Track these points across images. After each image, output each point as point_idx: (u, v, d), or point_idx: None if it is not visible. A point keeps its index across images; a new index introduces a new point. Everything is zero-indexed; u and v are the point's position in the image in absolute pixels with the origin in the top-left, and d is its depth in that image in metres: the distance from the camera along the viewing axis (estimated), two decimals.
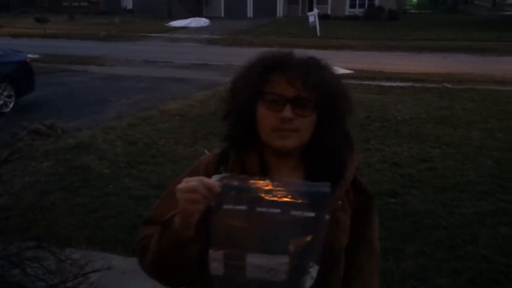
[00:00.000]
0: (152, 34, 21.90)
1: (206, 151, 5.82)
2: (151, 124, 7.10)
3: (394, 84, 10.53)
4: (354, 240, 1.22)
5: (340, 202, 1.16)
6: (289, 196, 0.98)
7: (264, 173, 1.12)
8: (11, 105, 8.17)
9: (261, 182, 1.00)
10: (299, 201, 0.98)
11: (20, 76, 8.40)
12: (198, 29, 24.20)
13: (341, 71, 12.11)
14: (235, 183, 0.99)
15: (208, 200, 0.98)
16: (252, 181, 1.00)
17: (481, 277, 3.17)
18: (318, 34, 19.55)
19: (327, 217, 0.99)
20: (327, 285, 1.14)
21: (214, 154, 1.23)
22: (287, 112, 1.08)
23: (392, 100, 8.71)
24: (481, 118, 7.44)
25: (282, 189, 0.99)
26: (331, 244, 1.11)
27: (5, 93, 8.12)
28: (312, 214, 0.98)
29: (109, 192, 4.57)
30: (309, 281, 1.00)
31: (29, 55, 9.91)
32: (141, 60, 14.44)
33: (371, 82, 10.71)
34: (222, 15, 31.06)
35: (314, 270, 1.00)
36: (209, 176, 1.03)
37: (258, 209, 0.98)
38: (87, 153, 5.68)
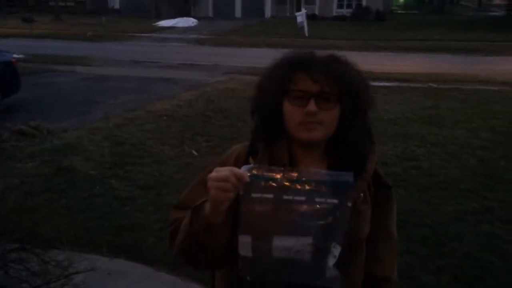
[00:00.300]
0: (139, 34, 21.78)
1: (193, 151, 5.82)
2: (138, 124, 7.06)
3: (381, 84, 10.59)
4: (376, 230, 1.30)
5: (362, 194, 1.23)
6: (314, 185, 1.05)
7: (291, 165, 1.20)
8: None
9: (288, 172, 1.07)
10: (323, 189, 1.05)
11: (5, 76, 8.29)
12: (186, 29, 24.12)
13: None
14: (263, 173, 1.06)
15: (237, 189, 1.04)
16: (279, 171, 1.07)
17: (465, 273, 3.22)
18: (306, 34, 19.61)
19: (349, 204, 1.06)
20: (348, 275, 1.20)
21: (244, 145, 1.30)
22: (312, 106, 1.15)
23: (379, 100, 8.75)
24: (466, 117, 7.54)
25: (308, 178, 1.06)
26: (354, 233, 1.18)
27: None
28: (335, 201, 1.05)
29: (95, 193, 4.55)
30: (331, 260, 1.07)
31: (15, 55, 9.77)
32: (129, 60, 14.36)
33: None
34: (210, 15, 31.00)
35: (336, 250, 1.07)
36: (239, 166, 1.09)
37: (285, 197, 1.05)
38: (73, 154, 5.64)
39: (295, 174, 1.07)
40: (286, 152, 1.22)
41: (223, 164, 1.19)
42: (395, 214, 1.38)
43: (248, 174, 1.05)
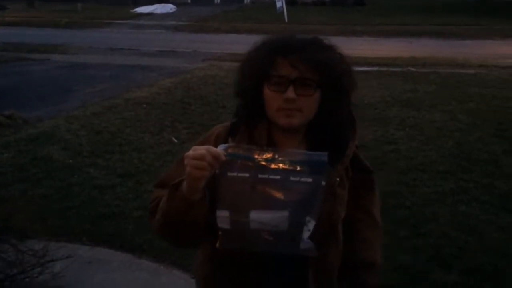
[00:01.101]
0: (116, 21, 21.34)
1: (173, 138, 5.77)
2: (117, 112, 6.96)
3: (360, 68, 10.62)
4: (359, 215, 1.35)
5: (338, 179, 1.24)
6: (289, 164, 1.08)
7: (269, 145, 1.21)
8: None
9: (264, 151, 1.10)
10: (298, 168, 1.08)
11: None
12: (164, 16, 23.75)
13: None
14: (239, 152, 1.09)
15: (213, 167, 1.06)
16: (255, 150, 1.10)
17: (441, 253, 3.29)
18: (286, 20, 19.52)
19: (323, 183, 1.08)
20: (324, 256, 1.23)
21: (225, 126, 1.31)
22: (290, 93, 1.15)
23: (358, 85, 8.79)
24: (443, 100, 7.64)
25: (283, 158, 1.09)
26: (329, 216, 1.21)
27: None
28: (310, 180, 1.08)
29: (73, 182, 4.48)
30: (306, 233, 1.10)
31: None
32: (106, 47, 14.07)
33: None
34: (189, 1, 30.54)
35: (311, 224, 1.10)
36: (218, 145, 1.12)
37: (260, 176, 1.08)
38: (50, 144, 5.53)
39: (270, 154, 1.09)
40: (265, 134, 1.23)
41: (204, 143, 1.20)
42: (378, 201, 1.41)
43: (224, 153, 1.07)
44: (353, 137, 1.28)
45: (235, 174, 1.08)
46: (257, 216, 1.08)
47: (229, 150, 1.08)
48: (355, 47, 13.61)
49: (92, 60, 11.95)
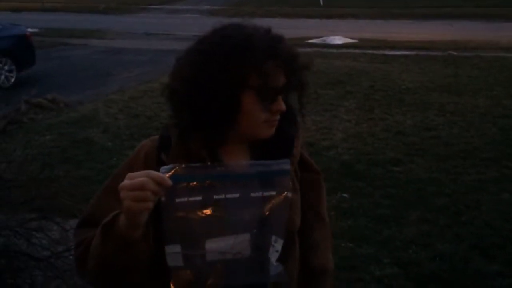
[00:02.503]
0: (152, 6, 21.55)
1: None
2: (153, 96, 7.04)
3: (398, 52, 10.38)
4: (308, 218, 1.18)
5: (290, 183, 1.05)
6: (247, 179, 0.93)
7: (211, 158, 1.03)
8: (12, 80, 8.14)
9: (215, 168, 0.94)
10: (258, 182, 0.93)
11: (21, 50, 8.33)
12: (199, 0, 23.80)
13: (344, 40, 11.96)
14: (187, 173, 0.91)
15: (157, 195, 0.88)
16: (204, 168, 0.93)
17: (484, 242, 3.19)
18: (321, 3, 19.19)
19: (289, 194, 0.95)
20: (287, 263, 1.07)
21: (151, 140, 1.11)
22: (281, 104, 1.02)
23: (396, 69, 8.60)
24: (486, 85, 7.35)
25: (239, 172, 0.94)
26: (287, 226, 1.04)
27: (6, 68, 8.08)
28: (273, 193, 0.94)
29: (112, 164, 4.58)
30: (274, 254, 0.96)
31: (29, 29, 9.79)
32: (142, 32, 14.26)
33: (375, 51, 10.55)
34: None
35: (278, 244, 0.96)
36: (150, 165, 0.97)
37: (215, 196, 0.92)
38: (90, 127, 5.68)
39: (223, 170, 0.94)
40: (203, 145, 1.02)
41: (131, 166, 1.02)
42: (325, 199, 1.26)
43: (169, 176, 0.89)
44: (297, 136, 1.13)
45: (185, 199, 0.90)
46: (214, 246, 0.92)
47: (175, 172, 0.90)
48: (393, 30, 13.27)
49: (128, 45, 12.14)
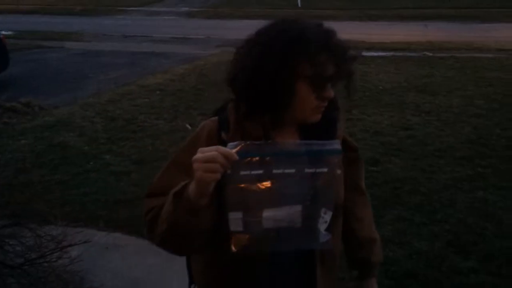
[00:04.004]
0: (129, 8, 21.35)
1: (187, 125, 5.78)
2: (131, 99, 6.99)
3: (375, 54, 10.51)
4: (353, 194, 1.36)
5: (341, 162, 1.21)
6: (302, 156, 1.04)
7: (265, 138, 1.16)
8: None
9: (274, 146, 1.06)
10: (312, 159, 1.04)
11: None
12: (177, 2, 23.65)
13: None
14: (251, 150, 1.02)
15: (225, 168, 0.99)
16: (266, 146, 1.05)
17: (458, 239, 3.25)
18: (299, 5, 19.31)
19: (338, 171, 1.07)
20: (335, 231, 1.21)
21: (212, 121, 1.24)
22: (331, 91, 1.15)
23: (374, 70, 8.70)
24: (460, 85, 7.51)
25: (295, 150, 1.05)
26: (334, 200, 1.18)
27: None
28: (325, 170, 1.05)
29: (89, 168, 4.53)
30: (323, 225, 1.08)
31: (2, 32, 9.59)
32: (119, 35, 14.11)
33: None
34: None
35: (327, 216, 1.08)
36: (212, 143, 1.06)
37: (274, 171, 1.03)
38: (66, 130, 5.59)
39: (281, 148, 1.05)
40: (260, 126, 1.16)
41: (194, 143, 1.14)
42: (363, 174, 1.45)
43: (235, 151, 1.01)
44: (339, 117, 1.27)
45: (248, 172, 1.02)
46: (270, 214, 1.04)
47: (241, 148, 1.01)
48: (371, 32, 13.43)
49: (106, 47, 12.00)
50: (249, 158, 1.02)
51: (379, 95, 6.98)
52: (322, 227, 1.08)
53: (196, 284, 1.34)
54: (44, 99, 6.87)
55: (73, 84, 8.11)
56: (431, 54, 10.27)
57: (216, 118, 1.24)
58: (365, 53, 10.60)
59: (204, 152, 0.99)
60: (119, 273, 2.95)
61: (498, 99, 6.68)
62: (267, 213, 1.04)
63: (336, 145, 1.06)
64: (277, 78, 1.10)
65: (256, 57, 1.12)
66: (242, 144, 1.02)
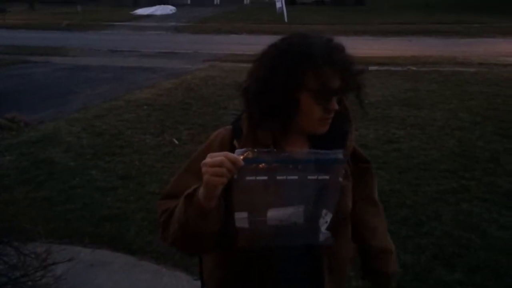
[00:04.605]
0: (117, 23, 21.38)
1: (174, 140, 5.77)
2: (118, 114, 6.96)
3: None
4: (364, 203, 1.41)
5: (343, 171, 1.24)
6: (306, 164, 1.10)
7: (275, 146, 1.23)
8: None
9: (280, 154, 1.12)
10: (315, 167, 1.11)
11: None
12: (164, 17, 23.77)
13: None
14: (256, 156, 1.09)
15: (232, 173, 1.06)
16: (271, 153, 1.11)
17: (444, 252, 3.28)
18: (286, 20, 19.53)
19: (340, 179, 1.13)
20: (337, 247, 1.26)
21: (226, 129, 1.31)
22: (335, 104, 1.20)
23: None
24: (444, 99, 7.64)
25: (299, 158, 1.11)
26: (339, 208, 1.22)
27: None
28: (327, 177, 1.12)
29: (75, 184, 4.48)
30: (324, 225, 1.15)
31: None
32: (106, 49, 14.10)
33: None
34: (189, 2, 30.57)
35: (328, 216, 1.15)
36: (224, 150, 1.12)
37: (278, 177, 1.10)
38: (51, 146, 5.54)
39: (286, 156, 1.12)
40: (270, 134, 1.23)
41: (208, 150, 1.20)
42: (376, 186, 1.48)
43: (242, 158, 1.07)
44: (350, 130, 1.32)
45: (253, 178, 1.09)
46: (274, 214, 1.12)
47: (247, 155, 1.09)
48: (356, 46, 13.54)
49: (92, 62, 11.97)
50: (254, 165, 1.09)
51: (364, 109, 7.04)
52: (323, 226, 1.15)
53: (206, 287, 1.40)
54: (30, 115, 6.80)
55: (59, 99, 8.06)
56: (415, 68, 10.45)
57: (230, 127, 1.31)
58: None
59: (213, 157, 1.06)
60: None
61: (481, 112, 6.80)
62: (271, 213, 1.12)
63: (339, 154, 1.12)
64: (284, 89, 1.17)
65: (266, 69, 1.20)
66: (249, 151, 1.09)
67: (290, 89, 1.17)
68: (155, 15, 24.45)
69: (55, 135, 5.95)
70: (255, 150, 1.10)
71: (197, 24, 20.93)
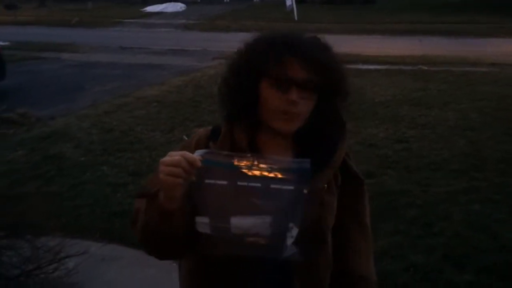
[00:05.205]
0: (127, 20, 21.46)
1: (184, 136, 5.79)
2: (128, 111, 7.00)
3: (370, 67, 10.61)
4: (351, 223, 1.28)
5: (326, 186, 1.19)
6: (269, 172, 1.02)
7: (254, 150, 1.15)
8: None
9: (243, 158, 1.03)
10: (279, 176, 1.02)
11: None
12: (174, 14, 23.82)
13: None
14: (217, 159, 1.02)
15: (188, 174, 0.99)
16: (233, 157, 1.03)
17: (454, 252, 3.27)
18: (295, 18, 19.48)
19: (305, 191, 1.03)
20: (312, 265, 1.19)
21: (206, 129, 1.25)
22: (294, 95, 1.09)
23: (369, 83, 8.77)
24: (455, 99, 7.58)
25: (263, 165, 1.03)
26: (316, 223, 1.16)
27: None
28: (291, 187, 1.03)
29: (85, 180, 4.52)
30: (289, 239, 1.06)
31: None
32: (116, 46, 14.15)
33: (348, 66, 10.72)
34: (198, 0, 30.60)
35: (294, 231, 1.06)
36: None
37: (239, 183, 1.02)
38: (62, 142, 5.58)
39: (250, 161, 1.03)
40: (245, 137, 1.17)
41: (185, 149, 1.13)
42: (368, 208, 1.35)
43: (201, 159, 1.01)
44: (342, 141, 1.23)
45: (212, 181, 1.02)
46: (238, 222, 1.04)
47: (206, 156, 1.02)
48: (365, 45, 13.57)
49: (102, 58, 12.03)
50: (215, 168, 1.02)
51: (374, 108, 7.03)
52: (289, 241, 1.07)
53: None
54: (40, 110, 6.87)
55: (69, 95, 8.12)
56: (425, 68, 10.37)
57: (210, 127, 1.25)
58: (360, 66, 10.70)
59: (171, 156, 1.00)
60: (115, 284, 2.94)
61: (492, 112, 6.74)
62: (235, 220, 1.04)
63: (305, 164, 1.03)
64: (244, 76, 1.13)
65: (232, 61, 1.17)
66: (210, 152, 1.04)
67: (250, 76, 1.12)
68: (165, 12, 24.50)
69: (66, 131, 6.00)
70: (216, 152, 1.05)
71: (206, 21, 20.94)
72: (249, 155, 1.05)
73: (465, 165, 4.82)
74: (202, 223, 1.05)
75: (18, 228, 2.40)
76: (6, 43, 12.48)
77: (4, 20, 20.10)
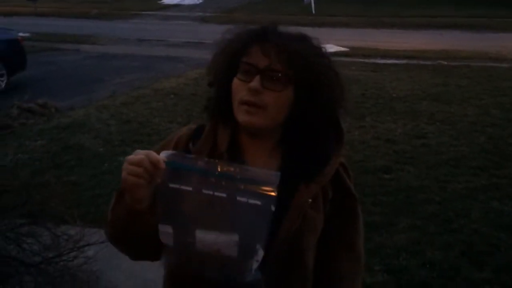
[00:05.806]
0: (144, 12, 21.57)
1: None
2: (145, 102, 7.06)
3: (389, 61, 10.49)
4: (336, 245, 1.14)
5: (310, 200, 1.07)
6: (236, 182, 0.92)
7: (236, 154, 1.07)
8: (3, 84, 8.09)
9: (211, 164, 0.94)
10: (246, 188, 0.92)
11: (12, 54, 8.29)
12: (192, 7, 23.85)
13: (336, 48, 12.06)
14: (182, 161, 0.93)
15: (151, 175, 0.92)
16: (203, 162, 0.94)
17: (472, 249, 3.23)
18: (313, 12, 19.34)
19: (272, 207, 0.91)
20: (289, 285, 1.08)
21: (188, 129, 1.16)
22: (256, 82, 1.00)
23: (387, 78, 8.68)
24: (475, 94, 7.45)
25: (231, 173, 0.93)
26: (295, 241, 1.05)
27: None
28: (258, 202, 0.91)
29: (104, 170, 4.57)
30: (255, 263, 0.96)
31: (20, 34, 9.75)
32: (134, 38, 14.25)
33: (366, 60, 10.66)
34: None
35: (260, 254, 0.95)
36: (176, 150, 1.00)
37: (204, 191, 0.92)
38: (81, 132, 5.66)
39: (218, 167, 0.93)
40: (227, 139, 1.08)
41: (164, 147, 1.07)
42: (362, 230, 1.19)
43: (166, 160, 0.92)
44: (336, 154, 1.10)
45: (177, 186, 0.92)
46: (203, 237, 0.94)
47: (171, 158, 0.93)
48: (384, 39, 13.41)
49: (120, 50, 12.13)
50: (181, 172, 0.92)
51: (392, 103, 6.95)
52: (254, 265, 0.95)
53: None
54: (60, 101, 6.97)
55: (88, 87, 8.21)
56: (445, 63, 10.21)
57: (194, 126, 1.16)
58: (378, 61, 10.59)
59: (136, 154, 0.93)
60: (132, 274, 2.97)
61: None
62: (200, 234, 0.94)
63: (273, 177, 0.91)
64: (218, 73, 1.09)
65: (214, 53, 1.13)
66: (177, 154, 0.95)
67: (227, 65, 1.06)
68: (182, 5, 24.55)
69: (85, 122, 6.08)
70: (184, 155, 0.96)
71: (223, 14, 20.92)
72: (216, 162, 0.95)
73: (485, 162, 4.74)
74: (166, 232, 0.95)
75: (38, 216, 2.45)
76: (27, 34, 12.66)
77: (24, 12, 20.39)
